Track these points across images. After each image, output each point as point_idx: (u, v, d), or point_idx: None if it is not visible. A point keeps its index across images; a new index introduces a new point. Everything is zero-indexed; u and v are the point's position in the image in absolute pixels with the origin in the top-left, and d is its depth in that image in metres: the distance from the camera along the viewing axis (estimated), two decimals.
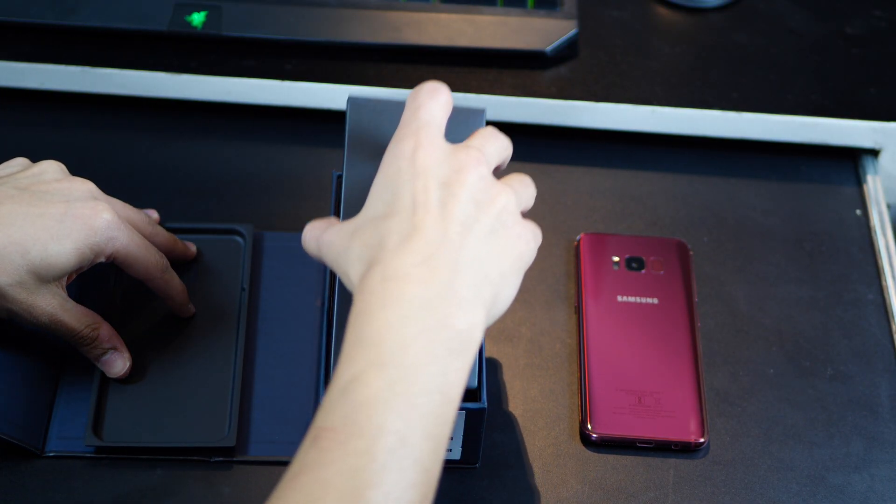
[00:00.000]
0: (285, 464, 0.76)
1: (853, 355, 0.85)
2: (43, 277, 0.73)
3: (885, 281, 0.89)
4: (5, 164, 0.80)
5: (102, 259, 0.76)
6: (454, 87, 0.93)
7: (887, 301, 0.87)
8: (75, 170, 0.91)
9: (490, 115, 0.94)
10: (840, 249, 0.91)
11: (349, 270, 0.65)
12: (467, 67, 0.95)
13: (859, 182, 0.95)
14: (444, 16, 0.97)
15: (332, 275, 0.75)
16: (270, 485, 0.76)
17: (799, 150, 0.96)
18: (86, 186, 0.77)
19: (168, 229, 0.85)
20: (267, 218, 0.89)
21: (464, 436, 0.75)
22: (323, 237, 0.68)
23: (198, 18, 0.95)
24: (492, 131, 0.70)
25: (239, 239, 0.86)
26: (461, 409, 0.73)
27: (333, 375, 0.61)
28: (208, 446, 0.76)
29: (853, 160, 0.96)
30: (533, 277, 0.88)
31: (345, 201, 0.71)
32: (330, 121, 0.96)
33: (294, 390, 0.80)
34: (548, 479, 0.77)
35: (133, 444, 0.76)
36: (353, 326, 0.62)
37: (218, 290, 0.83)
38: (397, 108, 0.72)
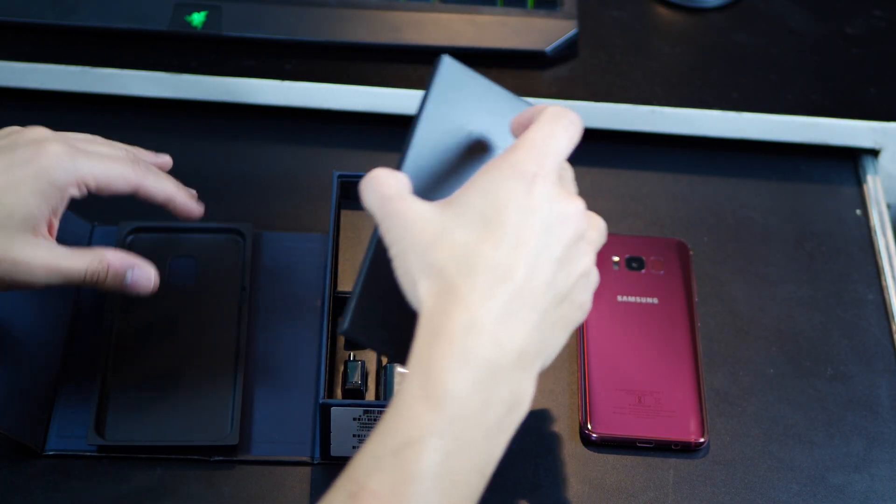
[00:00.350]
0: (285, 463, 0.77)
1: (853, 355, 0.85)
2: (12, 229, 0.70)
3: (885, 281, 0.89)
4: None
5: (75, 192, 0.72)
6: None
7: (887, 301, 0.87)
8: None
9: None
10: (840, 249, 0.91)
11: (419, 278, 0.60)
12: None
13: (859, 182, 0.95)
14: (444, 16, 0.97)
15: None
16: (270, 485, 0.76)
17: (799, 150, 0.96)
18: (34, 132, 0.73)
19: (168, 229, 0.85)
20: (267, 218, 0.89)
21: None
22: (395, 205, 0.62)
23: (198, 18, 0.95)
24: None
25: (239, 239, 0.86)
26: None
27: (386, 419, 0.57)
28: (211, 445, 0.76)
29: (853, 160, 0.96)
30: None
31: (410, 157, 0.65)
32: (330, 121, 0.96)
33: (294, 390, 0.80)
34: (548, 479, 0.77)
35: (135, 443, 0.76)
36: (422, 374, 0.58)
37: (218, 290, 0.83)
38: (490, 89, 0.69)
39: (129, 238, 0.85)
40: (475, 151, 0.68)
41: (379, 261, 0.64)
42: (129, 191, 0.75)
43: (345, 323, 0.65)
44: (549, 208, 0.61)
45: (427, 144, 0.66)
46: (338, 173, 0.83)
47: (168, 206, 0.77)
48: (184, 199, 0.77)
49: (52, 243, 0.72)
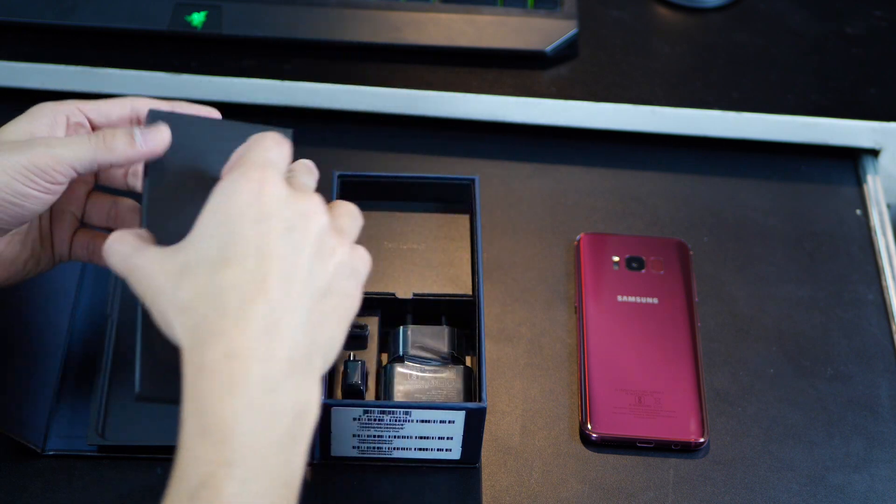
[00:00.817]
0: None
1: (853, 355, 0.85)
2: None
3: (885, 281, 0.89)
4: None
5: (66, 110, 0.71)
6: (454, 87, 0.94)
7: (887, 301, 0.87)
8: None
9: (490, 115, 0.94)
10: (840, 249, 0.91)
11: (173, 320, 0.59)
12: (467, 67, 0.95)
13: (859, 182, 0.95)
14: (444, 16, 0.97)
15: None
16: None
17: (799, 150, 0.96)
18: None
19: None
20: None
21: (464, 436, 0.75)
22: (136, 261, 0.62)
23: (198, 18, 0.95)
24: (309, 165, 0.68)
25: None
26: (461, 409, 0.73)
27: (175, 470, 0.56)
28: None
29: (853, 160, 0.96)
30: (533, 277, 0.88)
31: (148, 212, 0.66)
32: (330, 121, 0.96)
33: None
34: (548, 479, 0.77)
35: (135, 443, 0.76)
36: (196, 413, 0.56)
37: None
38: (212, 125, 0.70)
39: None
40: (211, 187, 0.66)
41: (147, 318, 0.63)
42: (129, 111, 0.72)
43: (136, 387, 0.64)
44: (285, 208, 0.61)
45: (162, 195, 0.67)
46: (338, 173, 0.83)
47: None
48: (187, 105, 0.73)
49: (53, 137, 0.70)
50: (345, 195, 0.84)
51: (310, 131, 0.96)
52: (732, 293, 0.88)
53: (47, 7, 0.95)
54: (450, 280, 0.81)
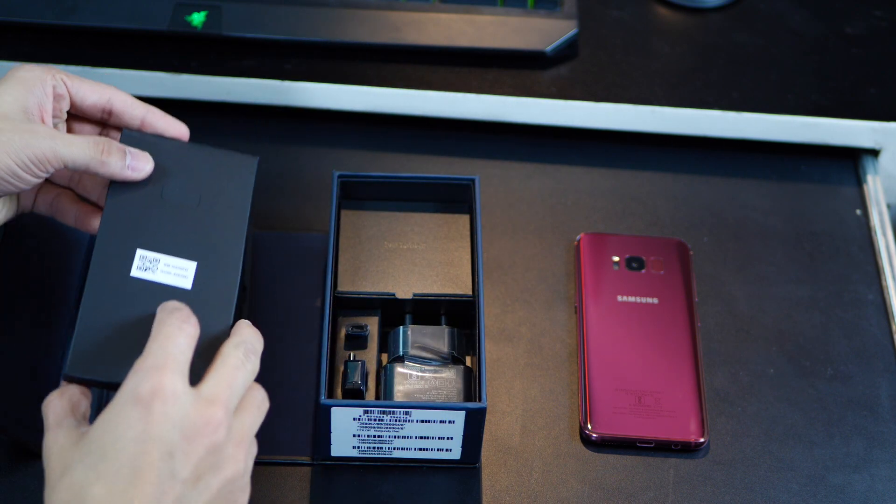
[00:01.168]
0: (286, 464, 0.77)
1: (853, 355, 0.85)
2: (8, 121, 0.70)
3: (885, 281, 0.89)
4: None
5: (50, 83, 0.72)
6: (454, 87, 0.94)
7: (887, 301, 0.87)
8: None
9: (490, 115, 0.94)
10: (840, 249, 0.91)
11: None
12: (467, 67, 0.95)
13: (859, 182, 0.95)
14: (444, 16, 0.97)
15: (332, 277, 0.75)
16: (270, 485, 0.76)
17: (799, 150, 0.96)
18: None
19: None
20: (267, 218, 0.89)
21: (464, 436, 0.75)
22: (47, 437, 0.62)
23: (198, 18, 0.95)
24: (239, 360, 0.65)
25: None
26: (461, 409, 0.73)
27: None
28: None
29: (853, 160, 0.96)
30: (533, 277, 0.88)
31: (105, 221, 0.72)
32: (330, 121, 0.96)
33: (294, 390, 0.80)
34: (548, 479, 0.77)
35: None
36: None
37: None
38: (172, 147, 0.76)
39: None
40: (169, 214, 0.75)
41: (88, 301, 0.70)
42: (105, 100, 0.75)
43: (65, 367, 0.68)
44: (171, 429, 0.60)
45: (119, 212, 0.73)
46: (338, 173, 0.83)
47: (146, 125, 0.76)
48: (161, 113, 0.76)
49: (57, 131, 0.72)
50: (345, 195, 0.84)
51: (310, 131, 0.96)
52: (732, 293, 0.88)
53: (47, 7, 0.95)
54: (450, 280, 0.81)
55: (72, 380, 0.69)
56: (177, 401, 0.60)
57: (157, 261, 0.73)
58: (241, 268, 0.75)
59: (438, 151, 0.95)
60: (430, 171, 0.93)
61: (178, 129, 0.77)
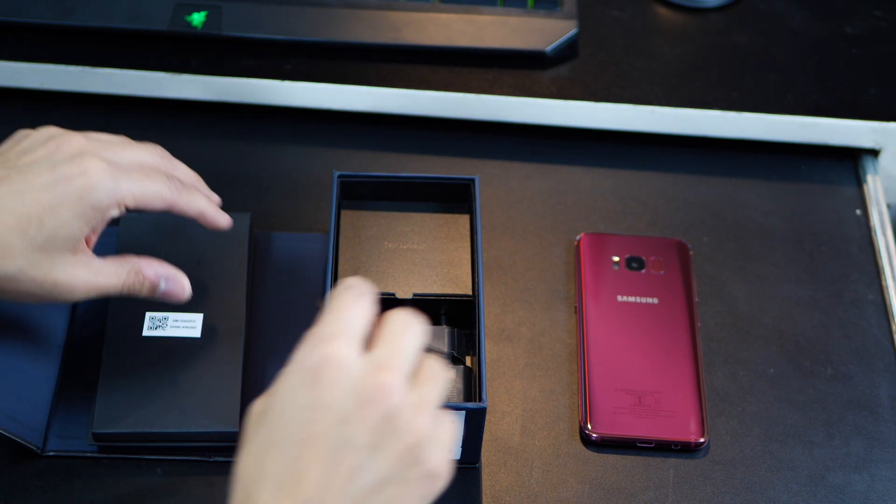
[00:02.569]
0: None
1: (853, 355, 0.85)
2: (53, 251, 0.70)
3: (885, 281, 0.89)
4: (7, 140, 0.75)
5: (115, 213, 0.72)
6: (454, 87, 0.94)
7: (887, 301, 0.88)
8: None
9: (490, 115, 0.94)
10: (840, 249, 0.91)
11: (236, 465, 0.59)
12: (467, 67, 0.95)
13: (859, 182, 0.95)
14: (444, 16, 0.97)
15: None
16: None
17: (799, 150, 0.96)
18: (72, 142, 0.73)
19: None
20: (267, 218, 0.89)
21: (464, 436, 0.75)
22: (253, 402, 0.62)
23: (198, 18, 0.95)
24: (403, 324, 0.62)
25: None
26: (461, 409, 0.73)
27: None
28: (212, 431, 0.75)
29: (853, 160, 0.97)
30: (533, 277, 0.88)
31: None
32: (330, 121, 0.96)
33: None
34: (548, 479, 0.77)
35: (136, 429, 0.75)
36: None
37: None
38: (167, 222, 0.80)
39: None
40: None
41: (108, 360, 0.78)
42: (164, 209, 0.75)
43: (93, 425, 0.75)
44: (344, 397, 0.58)
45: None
46: (338, 173, 0.83)
47: (198, 220, 0.77)
48: (213, 213, 0.78)
49: (91, 259, 0.73)
50: (345, 195, 0.84)
51: (310, 131, 0.96)
52: (732, 293, 0.88)
53: (47, 7, 0.95)
54: (450, 280, 0.81)
55: (101, 437, 0.75)
56: (347, 368, 0.59)
57: (166, 318, 0.80)
58: (245, 312, 0.81)
59: (438, 151, 0.95)
60: (430, 171, 0.93)
61: (220, 225, 0.79)
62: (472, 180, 0.83)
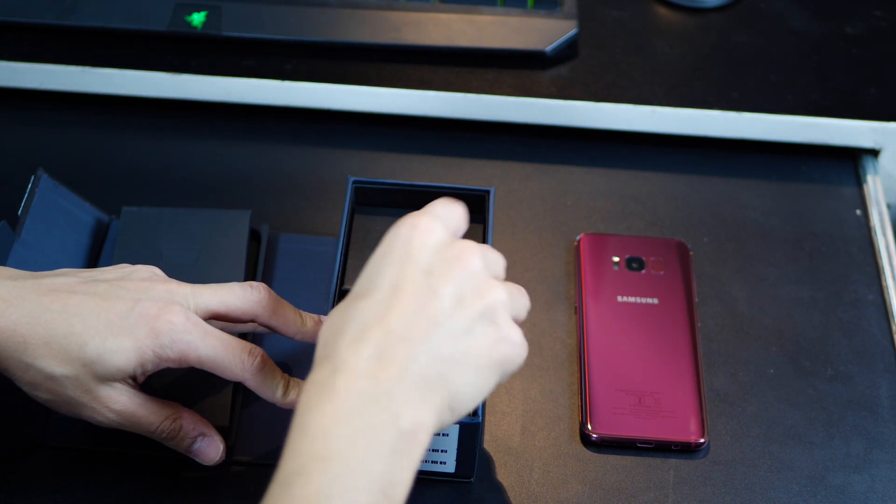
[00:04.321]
0: None
1: (853, 355, 0.85)
2: (100, 375, 0.69)
3: (885, 281, 0.89)
4: (113, 267, 0.75)
5: (171, 363, 0.70)
6: (454, 87, 0.94)
7: (887, 301, 0.87)
8: (76, 170, 0.91)
9: (490, 115, 0.94)
10: (840, 249, 0.91)
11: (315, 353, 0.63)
12: (467, 67, 0.95)
13: (859, 182, 0.95)
14: (444, 16, 0.97)
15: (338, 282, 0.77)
16: (262, 489, 0.76)
17: (799, 150, 0.96)
18: (168, 287, 0.72)
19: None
20: (266, 218, 0.89)
21: (458, 450, 0.74)
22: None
23: (198, 18, 0.95)
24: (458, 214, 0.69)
25: (253, 241, 0.86)
26: (455, 423, 0.72)
27: (278, 466, 0.60)
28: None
29: (853, 160, 0.97)
30: (533, 277, 0.88)
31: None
32: (330, 121, 0.96)
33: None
34: (548, 479, 0.77)
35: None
36: (299, 416, 0.60)
37: None
38: (167, 217, 0.81)
39: None
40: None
41: None
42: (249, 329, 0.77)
43: None
44: (430, 253, 0.64)
45: None
46: (353, 178, 0.82)
47: (296, 339, 0.77)
48: (272, 397, 0.74)
49: (135, 392, 0.71)
50: (358, 201, 0.84)
51: (310, 131, 0.96)
52: (732, 293, 0.88)
53: (47, 7, 0.95)
54: None
55: (94, 431, 0.74)
56: (434, 233, 0.65)
57: None
58: None
59: (438, 151, 0.95)
60: (428, 171, 0.93)
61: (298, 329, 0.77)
62: (488, 192, 0.82)
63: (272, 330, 0.76)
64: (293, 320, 0.76)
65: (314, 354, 0.63)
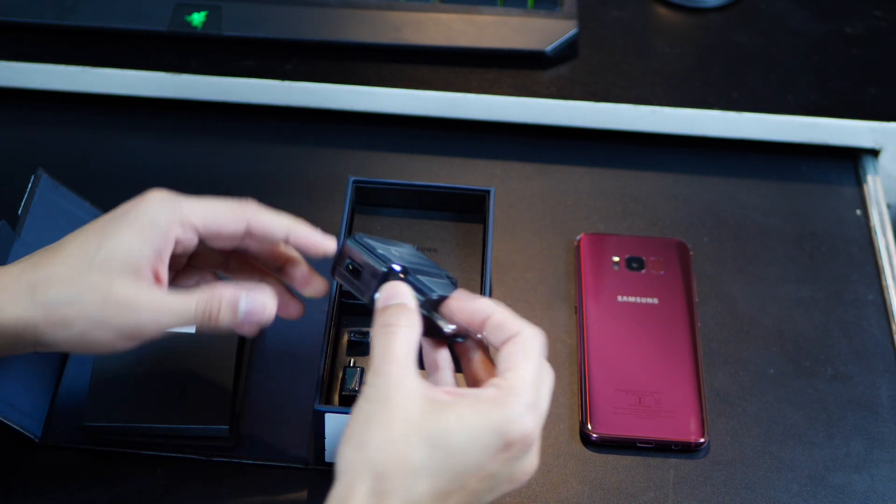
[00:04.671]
0: (282, 468, 0.77)
1: (853, 355, 0.85)
2: (116, 275, 0.66)
3: (885, 281, 0.89)
4: None
5: (180, 233, 0.68)
6: (454, 87, 0.94)
7: (887, 301, 0.87)
8: (76, 170, 0.91)
9: (490, 115, 0.94)
10: (840, 249, 0.91)
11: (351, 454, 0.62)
12: (467, 67, 0.95)
13: (859, 182, 0.95)
14: (444, 16, 0.97)
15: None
16: (270, 486, 0.76)
17: (799, 150, 0.96)
18: (151, 192, 0.70)
19: None
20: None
21: None
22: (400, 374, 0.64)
23: (198, 18, 0.95)
24: (545, 373, 0.66)
25: None
26: None
27: None
28: (203, 428, 0.76)
29: (853, 160, 0.97)
30: (533, 277, 0.88)
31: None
32: (330, 121, 0.96)
33: (294, 394, 0.79)
34: (548, 479, 0.77)
35: (128, 425, 0.75)
36: None
37: None
38: None
39: None
40: None
41: (99, 357, 0.77)
42: (241, 229, 0.71)
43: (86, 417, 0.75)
44: (509, 472, 0.63)
45: None
46: (353, 178, 0.82)
47: (291, 241, 0.72)
48: (306, 229, 0.72)
49: (159, 286, 0.69)
50: (357, 201, 0.83)
51: (310, 131, 0.96)
52: (732, 293, 0.88)
53: (47, 7, 0.95)
54: (460, 285, 0.80)
55: (91, 430, 0.76)
56: (529, 447, 0.64)
57: None
58: None
59: (438, 151, 0.95)
60: (430, 171, 0.93)
61: (324, 247, 0.72)
62: (488, 192, 0.82)
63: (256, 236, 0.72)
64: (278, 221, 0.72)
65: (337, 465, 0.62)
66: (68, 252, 0.68)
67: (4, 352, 0.68)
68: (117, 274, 0.67)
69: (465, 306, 0.68)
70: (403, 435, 0.60)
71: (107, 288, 0.67)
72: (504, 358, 0.65)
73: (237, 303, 0.68)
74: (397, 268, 0.67)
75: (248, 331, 0.69)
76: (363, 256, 0.68)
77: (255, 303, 0.69)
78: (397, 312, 0.65)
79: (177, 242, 0.70)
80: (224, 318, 0.68)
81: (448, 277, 0.71)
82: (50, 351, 0.69)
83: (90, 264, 0.67)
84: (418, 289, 0.67)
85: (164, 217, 0.68)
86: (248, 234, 0.71)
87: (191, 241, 0.70)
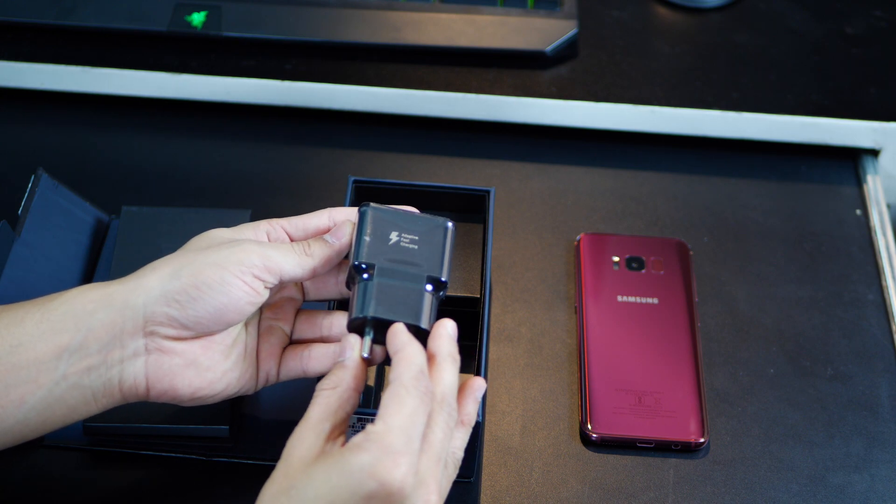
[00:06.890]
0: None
1: (853, 355, 0.85)
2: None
3: (885, 281, 0.89)
4: None
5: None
6: (454, 87, 0.94)
7: (887, 301, 0.87)
8: (76, 170, 0.91)
9: (490, 115, 0.94)
10: (840, 249, 0.91)
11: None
12: (467, 67, 0.95)
13: (859, 182, 0.95)
14: (444, 16, 0.97)
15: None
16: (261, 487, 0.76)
17: (799, 150, 0.96)
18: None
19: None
20: (265, 218, 0.89)
21: None
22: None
23: (198, 18, 0.95)
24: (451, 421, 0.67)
25: None
26: None
27: None
28: (202, 430, 0.76)
29: (853, 160, 0.97)
30: (533, 277, 0.88)
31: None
32: (330, 121, 0.96)
33: (295, 392, 0.79)
34: (548, 479, 0.77)
35: (128, 426, 0.75)
36: None
37: None
38: (167, 217, 0.81)
39: None
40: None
41: None
42: (324, 228, 0.74)
43: None
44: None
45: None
46: (353, 178, 0.82)
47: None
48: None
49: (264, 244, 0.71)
50: (358, 200, 0.83)
51: (310, 131, 0.96)
52: (732, 293, 0.88)
53: (47, 7, 0.95)
54: (459, 286, 0.80)
55: (91, 431, 0.75)
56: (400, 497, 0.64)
57: None
58: None
59: (438, 151, 0.95)
60: (429, 171, 0.93)
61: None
62: (488, 192, 0.82)
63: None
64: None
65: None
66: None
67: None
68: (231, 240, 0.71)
69: (390, 339, 0.68)
70: (278, 490, 0.63)
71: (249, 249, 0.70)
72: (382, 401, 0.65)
73: (325, 237, 0.72)
74: (364, 266, 0.70)
75: (339, 248, 0.72)
76: (352, 238, 0.72)
77: (337, 228, 0.72)
78: (334, 373, 0.67)
79: (272, 240, 0.73)
80: (317, 249, 0.71)
81: (429, 278, 0.71)
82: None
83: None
84: (363, 297, 0.70)
85: (249, 224, 0.72)
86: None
87: (282, 237, 0.73)
